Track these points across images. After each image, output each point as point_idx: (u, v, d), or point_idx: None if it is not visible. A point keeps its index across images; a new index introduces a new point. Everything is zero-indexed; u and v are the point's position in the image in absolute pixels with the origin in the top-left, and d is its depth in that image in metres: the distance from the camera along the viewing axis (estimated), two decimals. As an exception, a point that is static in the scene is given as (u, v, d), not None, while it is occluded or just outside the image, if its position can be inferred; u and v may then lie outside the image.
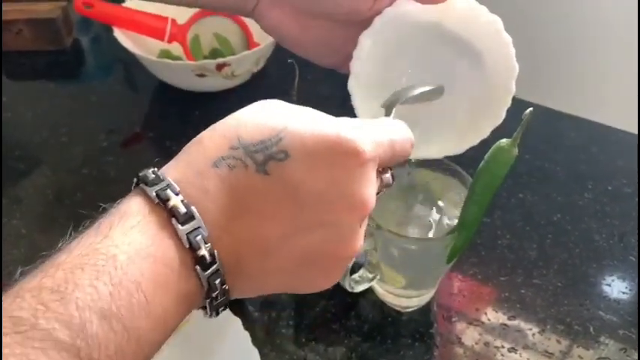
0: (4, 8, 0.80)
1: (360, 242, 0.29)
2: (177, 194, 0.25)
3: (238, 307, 0.50)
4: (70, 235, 0.26)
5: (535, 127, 0.69)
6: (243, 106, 0.52)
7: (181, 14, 0.75)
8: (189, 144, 0.28)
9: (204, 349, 0.46)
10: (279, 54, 0.75)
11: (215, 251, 0.26)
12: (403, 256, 0.44)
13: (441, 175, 0.47)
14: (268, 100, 0.30)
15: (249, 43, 0.77)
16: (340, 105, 0.72)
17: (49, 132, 0.68)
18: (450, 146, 0.40)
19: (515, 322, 0.50)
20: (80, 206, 0.59)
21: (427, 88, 0.37)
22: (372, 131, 0.29)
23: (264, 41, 0.70)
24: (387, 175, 0.32)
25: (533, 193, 0.61)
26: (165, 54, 0.75)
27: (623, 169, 0.64)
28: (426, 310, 0.51)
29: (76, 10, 0.72)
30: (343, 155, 0.27)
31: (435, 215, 0.45)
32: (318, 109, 0.52)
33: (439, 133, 0.41)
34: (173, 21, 0.74)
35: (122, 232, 0.24)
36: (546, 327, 0.49)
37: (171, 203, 0.25)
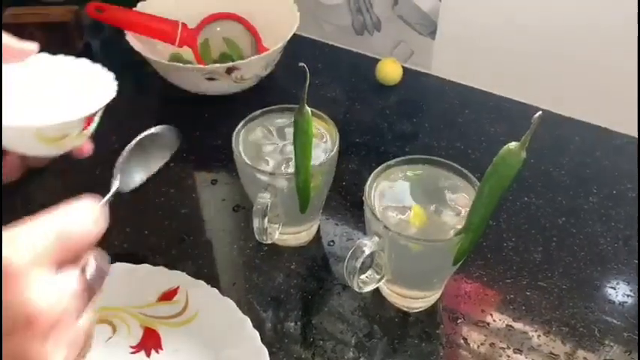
0: (17, 12, 0.81)
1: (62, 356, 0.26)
2: None
3: (247, 306, 0.51)
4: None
5: (540, 132, 0.69)
6: (251, 109, 0.53)
7: (192, 19, 0.76)
8: None
9: (213, 348, 0.47)
10: (288, 58, 0.76)
11: None
12: (410, 257, 0.45)
13: (449, 176, 0.48)
14: None
15: (258, 47, 0.78)
16: (347, 109, 0.73)
17: (61, 134, 0.69)
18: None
19: (520, 324, 0.50)
20: (92, 207, 0.60)
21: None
22: (29, 235, 0.27)
23: (273, 46, 0.71)
24: (90, 270, 0.29)
25: (538, 197, 0.62)
26: (176, 57, 0.76)
27: (627, 173, 0.64)
28: (432, 311, 0.51)
29: (88, 14, 0.73)
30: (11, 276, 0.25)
31: (445, 217, 0.46)
32: (325, 111, 0.53)
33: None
34: (184, 25, 0.75)
35: None
36: (551, 329, 0.50)
37: None
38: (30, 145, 0.42)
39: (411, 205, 0.46)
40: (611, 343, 0.49)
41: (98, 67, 0.51)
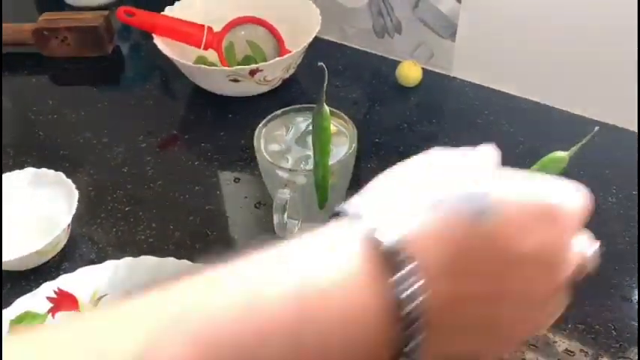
0: (50, 17, 0.85)
1: (545, 321, 0.28)
2: (394, 235, 0.24)
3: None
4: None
5: (559, 131, 0.70)
6: (273, 110, 0.55)
7: (217, 23, 0.79)
8: (377, 184, 0.27)
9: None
10: (310, 61, 0.77)
11: (423, 304, 0.24)
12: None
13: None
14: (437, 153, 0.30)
15: (280, 50, 0.80)
16: (367, 110, 0.74)
17: (92, 133, 0.72)
18: None
19: (536, 321, 0.51)
20: (120, 203, 0.62)
21: None
22: (576, 195, 0.27)
23: (295, 48, 0.72)
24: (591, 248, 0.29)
25: (557, 197, 0.62)
26: (201, 60, 0.78)
27: (648, 174, 0.64)
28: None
29: (118, 18, 0.76)
30: (558, 218, 0.26)
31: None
32: (346, 112, 0.54)
33: None
34: (209, 29, 0.78)
35: (331, 257, 0.24)
36: (567, 326, 0.50)
37: (386, 245, 0.23)
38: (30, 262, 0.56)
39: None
40: (628, 342, 0.49)
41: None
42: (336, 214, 0.26)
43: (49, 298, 0.50)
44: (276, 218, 0.50)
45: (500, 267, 0.25)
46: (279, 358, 0.22)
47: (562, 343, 0.49)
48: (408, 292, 0.23)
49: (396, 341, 0.24)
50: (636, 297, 0.52)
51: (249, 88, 0.73)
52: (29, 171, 0.60)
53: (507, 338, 0.28)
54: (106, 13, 0.86)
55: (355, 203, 0.26)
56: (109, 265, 0.52)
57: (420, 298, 0.23)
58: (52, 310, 0.50)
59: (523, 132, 0.70)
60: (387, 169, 0.28)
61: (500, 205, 0.25)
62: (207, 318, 0.22)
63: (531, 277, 0.26)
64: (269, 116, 0.54)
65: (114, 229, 0.60)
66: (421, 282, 0.23)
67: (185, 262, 0.52)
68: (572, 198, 0.27)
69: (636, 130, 0.69)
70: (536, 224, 0.25)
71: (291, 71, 0.76)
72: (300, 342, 0.22)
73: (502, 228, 0.25)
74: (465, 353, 0.27)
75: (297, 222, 0.54)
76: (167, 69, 0.78)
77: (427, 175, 0.27)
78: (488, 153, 0.30)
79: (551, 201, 0.26)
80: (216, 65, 0.78)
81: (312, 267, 0.23)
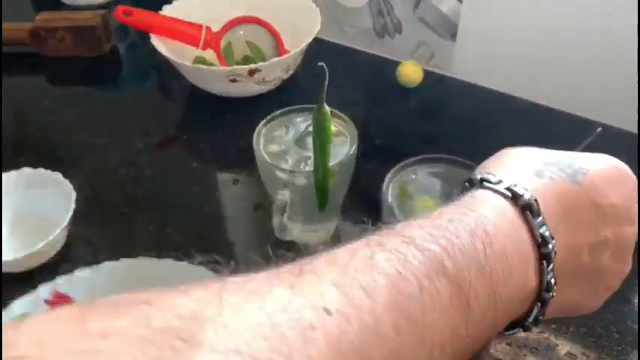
0: (48, 17, 0.84)
1: (623, 277, 0.35)
2: (527, 193, 0.30)
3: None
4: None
5: (566, 135, 0.69)
6: (273, 110, 0.55)
7: (216, 22, 0.78)
8: (492, 163, 0.34)
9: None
10: (310, 61, 0.77)
11: (554, 248, 0.29)
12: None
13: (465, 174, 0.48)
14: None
15: (279, 50, 0.80)
16: (368, 111, 0.74)
17: (89, 133, 0.72)
18: None
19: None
20: (118, 204, 0.62)
21: None
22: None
23: (294, 48, 0.72)
24: None
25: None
26: (200, 60, 0.78)
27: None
28: (449, 309, 0.52)
29: (115, 18, 0.75)
30: (626, 177, 0.34)
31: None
32: (346, 113, 0.54)
33: None
34: (208, 29, 0.77)
35: (484, 212, 0.29)
36: (569, 329, 0.50)
37: (525, 198, 0.29)
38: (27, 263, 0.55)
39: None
40: (629, 345, 0.49)
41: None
42: (477, 180, 0.32)
43: (47, 301, 0.49)
44: (275, 220, 0.49)
45: (596, 216, 0.31)
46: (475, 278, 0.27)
47: (564, 347, 0.49)
48: (546, 234, 0.29)
49: (537, 278, 0.29)
50: (637, 300, 0.52)
51: (248, 88, 0.73)
52: (26, 171, 0.59)
53: (605, 288, 0.34)
54: (103, 12, 0.85)
55: (494, 172, 0.32)
56: (107, 266, 0.52)
57: (553, 242, 0.29)
58: (49, 313, 0.49)
59: (524, 133, 0.69)
60: (494, 155, 0.35)
61: (586, 168, 0.32)
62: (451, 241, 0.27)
63: (619, 224, 0.32)
64: (268, 117, 0.54)
65: (111, 230, 0.59)
66: (548, 231, 0.29)
67: (183, 263, 0.52)
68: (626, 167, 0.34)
69: (636, 131, 0.69)
70: (614, 180, 0.32)
71: (291, 71, 0.75)
72: (489, 267, 0.27)
73: (592, 184, 0.31)
74: (572, 306, 0.34)
75: (297, 224, 0.53)
76: (165, 69, 0.78)
77: (528, 155, 0.34)
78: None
79: (620, 165, 0.34)
80: (214, 65, 0.78)
81: (482, 213, 0.29)
